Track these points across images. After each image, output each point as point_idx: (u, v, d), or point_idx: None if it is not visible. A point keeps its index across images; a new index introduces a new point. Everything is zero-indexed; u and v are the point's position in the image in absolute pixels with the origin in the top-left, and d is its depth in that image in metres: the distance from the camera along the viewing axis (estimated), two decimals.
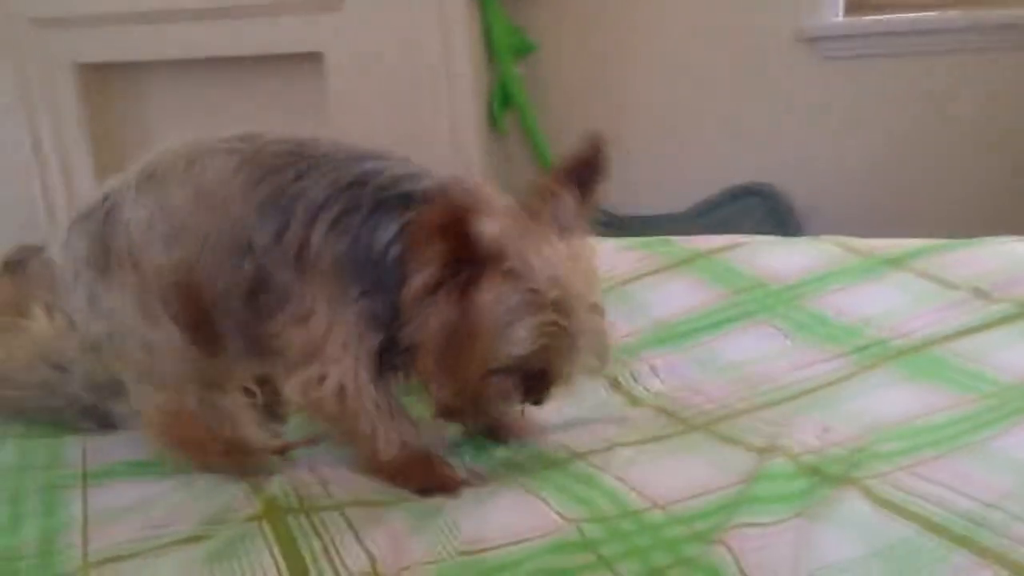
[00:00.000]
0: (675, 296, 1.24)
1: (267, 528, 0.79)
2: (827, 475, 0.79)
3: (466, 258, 0.79)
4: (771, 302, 1.18)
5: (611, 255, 1.38)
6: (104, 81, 2.70)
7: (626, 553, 0.72)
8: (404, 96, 2.41)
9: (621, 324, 1.19)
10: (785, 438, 0.85)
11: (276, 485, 0.88)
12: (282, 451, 0.97)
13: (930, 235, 1.35)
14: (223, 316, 0.91)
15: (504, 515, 0.79)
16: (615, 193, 2.53)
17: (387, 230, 0.84)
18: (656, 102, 2.52)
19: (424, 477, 0.88)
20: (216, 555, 0.76)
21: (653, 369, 1.08)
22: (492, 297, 0.79)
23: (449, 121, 2.42)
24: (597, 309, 0.85)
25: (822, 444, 0.84)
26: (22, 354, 1.09)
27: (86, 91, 2.65)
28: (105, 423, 1.05)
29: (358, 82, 2.41)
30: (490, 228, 0.79)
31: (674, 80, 2.48)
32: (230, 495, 0.87)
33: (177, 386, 0.93)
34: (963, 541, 0.68)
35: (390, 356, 0.88)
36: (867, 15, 2.31)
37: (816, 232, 1.58)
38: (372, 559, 0.73)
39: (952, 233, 1.35)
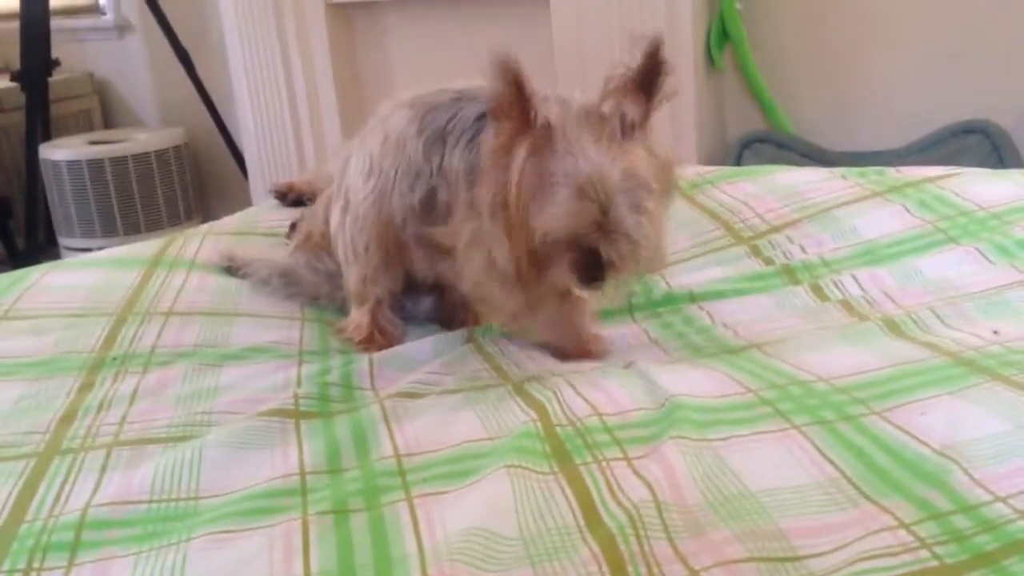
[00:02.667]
0: (883, 221, 1.32)
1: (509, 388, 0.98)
2: (980, 367, 0.89)
3: (523, 127, 0.92)
4: (976, 228, 1.24)
5: (823, 182, 1.47)
6: (349, 20, 2.92)
7: (798, 409, 0.85)
8: (624, 33, 2.49)
9: (828, 242, 1.30)
10: (953, 336, 0.96)
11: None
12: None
13: None
14: (404, 233, 1.13)
15: (692, 384, 0.93)
16: (830, 129, 2.56)
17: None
18: (872, 38, 2.50)
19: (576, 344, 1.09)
20: (471, 400, 0.96)
21: (855, 279, 1.19)
22: (535, 170, 0.92)
23: (669, 58, 2.49)
24: (641, 210, 0.93)
25: (984, 343, 0.94)
26: (303, 258, 1.34)
27: (333, 29, 2.87)
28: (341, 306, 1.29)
29: (581, 25, 2.51)
30: (550, 110, 0.93)
31: (891, 15, 2.45)
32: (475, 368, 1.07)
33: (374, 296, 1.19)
34: None
35: None
36: None
37: None
38: (593, 407, 0.90)
39: None
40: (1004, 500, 0.69)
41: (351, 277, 1.20)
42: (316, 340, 1.20)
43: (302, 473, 0.83)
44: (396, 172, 1.11)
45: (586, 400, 0.91)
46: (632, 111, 0.95)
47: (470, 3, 2.71)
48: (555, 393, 0.93)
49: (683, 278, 1.30)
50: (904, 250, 1.24)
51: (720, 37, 2.60)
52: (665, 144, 0.99)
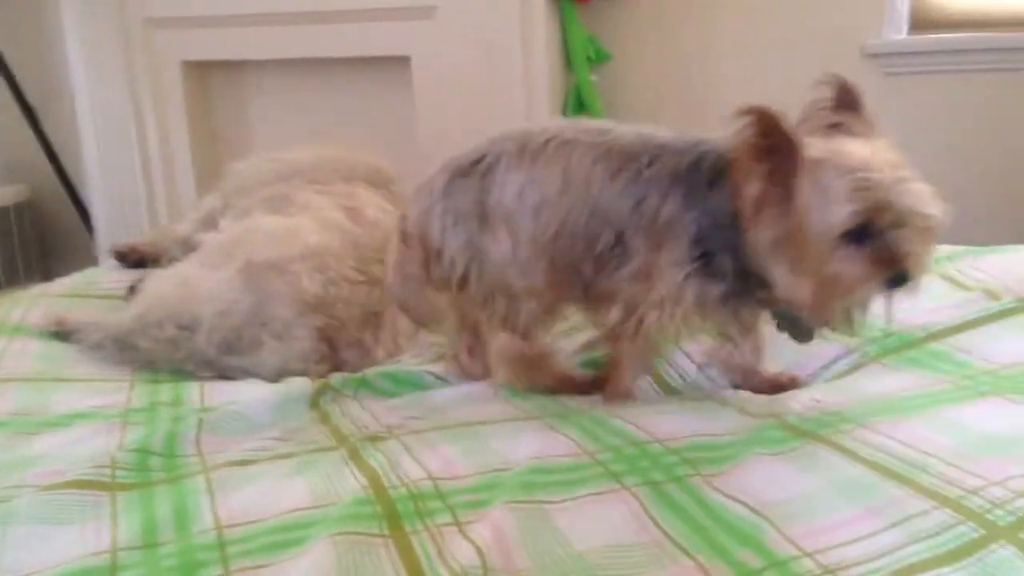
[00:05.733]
0: None
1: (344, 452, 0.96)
2: (801, 430, 0.94)
3: (781, 159, 0.93)
4: None
5: None
6: (207, 78, 2.87)
7: (630, 470, 0.88)
8: (484, 100, 2.53)
9: None
10: (780, 406, 1.02)
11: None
12: (592, 382, 1.16)
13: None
14: (570, 272, 1.09)
15: (530, 445, 0.94)
16: None
17: (727, 197, 0.99)
18: (725, 114, 2.62)
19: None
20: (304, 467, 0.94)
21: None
22: (809, 182, 0.92)
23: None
24: (912, 175, 0.93)
25: (805, 409, 1.00)
26: (153, 315, 1.29)
27: (190, 88, 2.82)
28: (223, 374, 1.24)
29: (442, 86, 2.54)
30: (795, 129, 0.95)
31: (745, 91, 2.58)
32: (312, 432, 1.04)
33: (525, 326, 1.13)
34: (902, 480, 0.82)
35: (742, 303, 1.06)
36: (930, 33, 2.39)
37: None
38: (428, 471, 0.89)
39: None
40: (811, 555, 0.72)
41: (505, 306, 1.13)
42: (145, 400, 1.16)
43: (114, 551, 0.79)
44: (577, 211, 1.07)
45: (421, 464, 0.90)
46: (855, 125, 0.99)
47: (331, 65, 2.71)
48: (389, 458, 0.92)
49: None
50: None
51: (576, 107, 2.68)
52: None
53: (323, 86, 2.78)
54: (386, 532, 0.79)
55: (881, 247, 0.93)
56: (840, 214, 0.91)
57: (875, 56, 2.39)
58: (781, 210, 0.94)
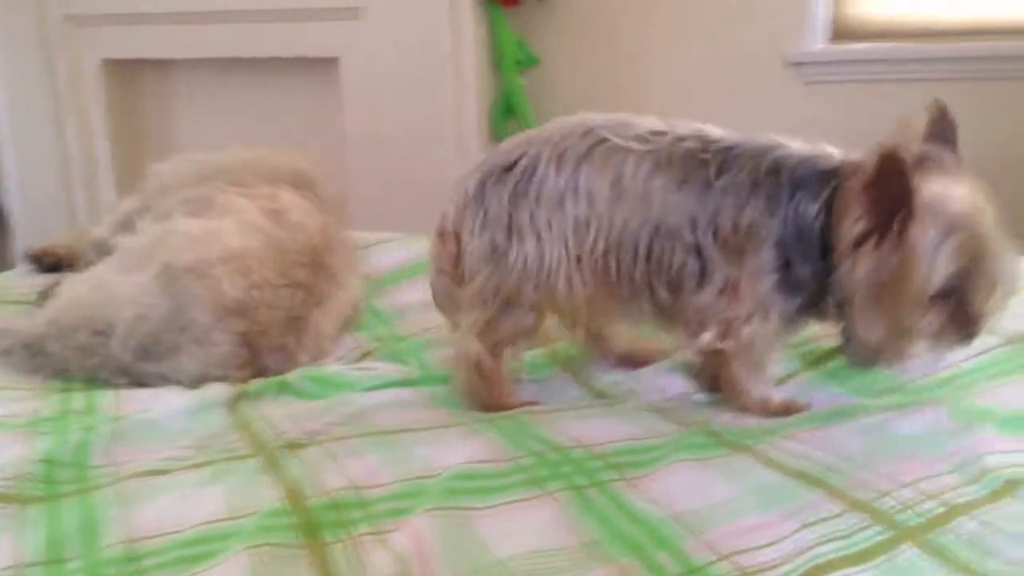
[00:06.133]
0: None
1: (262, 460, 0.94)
2: (725, 440, 0.95)
3: (897, 205, 0.91)
4: None
5: None
6: (130, 77, 2.82)
7: (553, 475, 0.88)
8: (413, 103, 2.53)
9: None
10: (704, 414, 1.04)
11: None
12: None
13: None
14: (630, 289, 1.05)
15: (454, 452, 0.93)
16: None
17: (811, 206, 0.98)
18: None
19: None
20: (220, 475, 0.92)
21: None
22: (919, 233, 0.91)
23: (454, 128, 2.55)
24: (1004, 240, 0.94)
25: (730, 417, 1.02)
26: (66, 320, 1.25)
27: (112, 88, 2.77)
28: (139, 382, 1.21)
29: (370, 87, 2.53)
30: (916, 178, 0.92)
31: (669, 98, 2.61)
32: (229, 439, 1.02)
33: (497, 341, 1.10)
34: (818, 483, 0.84)
35: (807, 314, 1.04)
36: (850, 43, 2.45)
37: None
38: (350, 479, 0.88)
39: None
40: (727, 558, 0.73)
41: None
42: (55, 408, 1.12)
43: (18, 567, 0.76)
44: (636, 225, 1.02)
45: (342, 472, 0.89)
46: (946, 158, 0.96)
47: (258, 65, 2.67)
48: (309, 466, 0.91)
49: None
50: None
51: (505, 111, 2.68)
52: None
53: (250, 86, 2.75)
54: (304, 543, 0.78)
55: (963, 307, 0.95)
56: (942, 273, 0.92)
57: (797, 65, 2.44)
58: (881, 252, 0.93)
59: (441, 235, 1.12)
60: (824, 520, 0.78)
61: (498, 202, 1.06)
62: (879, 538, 0.75)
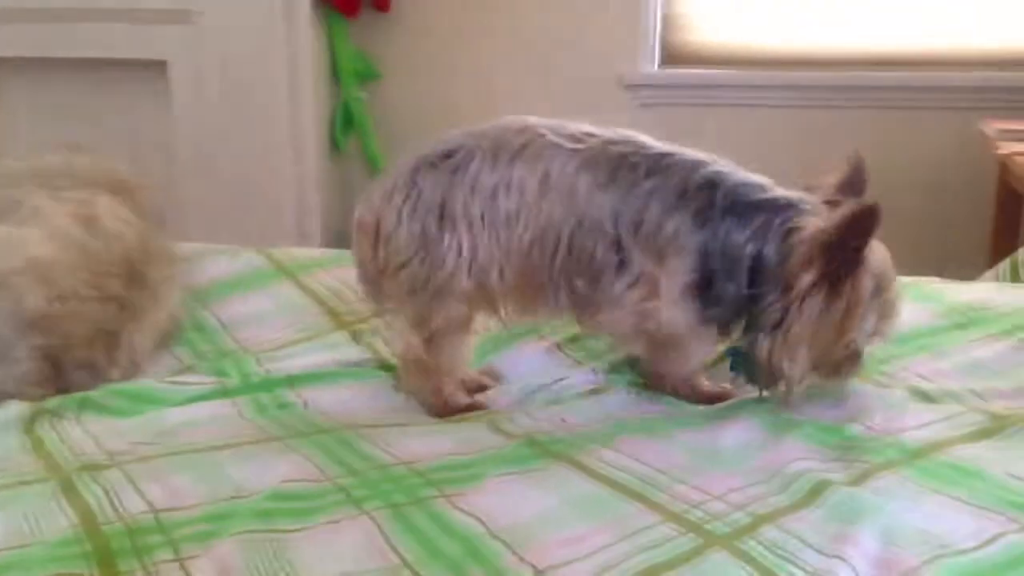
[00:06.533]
0: None
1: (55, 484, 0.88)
2: (548, 449, 0.95)
3: (855, 258, 0.97)
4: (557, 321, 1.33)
5: None
6: None
7: (372, 494, 0.86)
8: (247, 112, 2.47)
9: None
10: (529, 424, 1.04)
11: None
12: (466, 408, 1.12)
13: None
14: (548, 280, 1.06)
15: (271, 469, 0.90)
16: None
17: (743, 231, 1.00)
18: None
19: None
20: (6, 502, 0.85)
21: None
22: (862, 286, 0.98)
23: (292, 138, 2.50)
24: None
25: (552, 428, 1.02)
26: None
27: None
28: None
29: (202, 94, 2.47)
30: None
31: (508, 114, 2.64)
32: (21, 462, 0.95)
33: (433, 332, 1.09)
34: (635, 495, 0.85)
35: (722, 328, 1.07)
36: (681, 68, 2.55)
37: None
38: (150, 503, 0.83)
39: None
40: (543, 573, 0.73)
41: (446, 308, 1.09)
42: None
43: None
44: (560, 220, 1.04)
45: (142, 495, 0.84)
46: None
47: (83, 66, 2.56)
48: (108, 490, 0.85)
49: (282, 363, 1.26)
50: (489, 347, 1.29)
51: (344, 122, 2.64)
52: None
53: (74, 88, 2.63)
54: (97, 573, 0.72)
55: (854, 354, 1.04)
56: (868, 330, 1.01)
57: (631, 87, 2.51)
58: (828, 300, 0.98)
59: (360, 224, 1.12)
60: (638, 531, 0.79)
61: (432, 188, 1.07)
62: (688, 546, 0.76)
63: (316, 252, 1.62)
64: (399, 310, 1.13)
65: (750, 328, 1.03)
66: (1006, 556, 0.77)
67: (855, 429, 1.00)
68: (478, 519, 0.81)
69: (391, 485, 0.87)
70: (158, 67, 2.47)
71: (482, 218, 1.05)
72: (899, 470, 0.90)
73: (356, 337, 1.33)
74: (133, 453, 0.94)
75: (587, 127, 1.08)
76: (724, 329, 1.07)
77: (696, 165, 1.04)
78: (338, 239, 2.62)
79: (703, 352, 1.11)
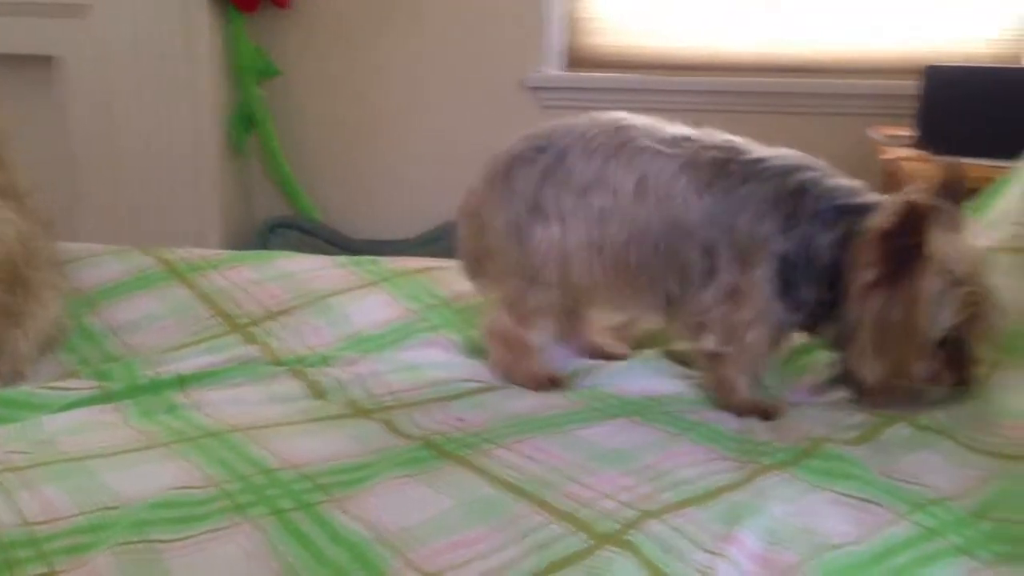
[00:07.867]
0: (373, 310, 1.36)
1: None
2: (443, 450, 0.94)
3: (910, 254, 0.96)
4: (454, 319, 1.33)
5: (322, 270, 1.49)
6: None
7: (257, 500, 0.84)
8: (145, 109, 2.40)
9: (323, 329, 1.31)
10: (426, 424, 1.02)
11: None
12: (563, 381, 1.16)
13: None
14: (641, 280, 1.10)
15: (149, 478, 0.88)
16: (353, 217, 2.65)
17: (826, 235, 1.01)
18: (393, 135, 2.65)
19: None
20: None
21: (345, 369, 1.19)
22: (927, 284, 0.96)
23: (191, 137, 2.44)
24: (995, 292, 1.00)
25: (449, 429, 1.00)
26: None
27: None
28: None
29: (96, 91, 2.39)
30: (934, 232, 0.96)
31: (409, 113, 2.63)
32: None
33: (527, 314, 1.16)
34: (528, 496, 0.85)
35: (802, 330, 1.10)
36: (584, 71, 2.57)
37: None
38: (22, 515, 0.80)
39: None
40: None
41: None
42: None
43: None
44: (656, 223, 1.07)
45: (13, 508, 0.81)
46: (951, 215, 0.99)
47: None
48: None
49: (171, 366, 1.22)
50: (389, 340, 1.28)
51: (244, 121, 2.59)
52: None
53: None
54: None
55: (958, 351, 1.01)
56: (946, 322, 0.98)
57: (534, 89, 2.53)
58: (890, 298, 0.98)
59: (463, 209, 1.21)
60: (530, 532, 0.79)
61: (525, 181, 1.12)
62: (580, 546, 0.76)
63: (208, 252, 1.58)
64: (496, 288, 1.19)
65: (830, 333, 1.06)
66: (883, 547, 0.79)
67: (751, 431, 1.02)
68: (366, 524, 0.79)
69: (278, 490, 0.85)
70: (48, 63, 2.37)
71: (574, 213, 1.09)
72: (787, 469, 0.92)
73: (249, 339, 1.30)
74: (6, 463, 0.90)
75: (681, 129, 1.11)
76: (804, 331, 1.11)
77: (789, 170, 1.06)
78: (238, 239, 2.56)
79: (771, 360, 1.13)
